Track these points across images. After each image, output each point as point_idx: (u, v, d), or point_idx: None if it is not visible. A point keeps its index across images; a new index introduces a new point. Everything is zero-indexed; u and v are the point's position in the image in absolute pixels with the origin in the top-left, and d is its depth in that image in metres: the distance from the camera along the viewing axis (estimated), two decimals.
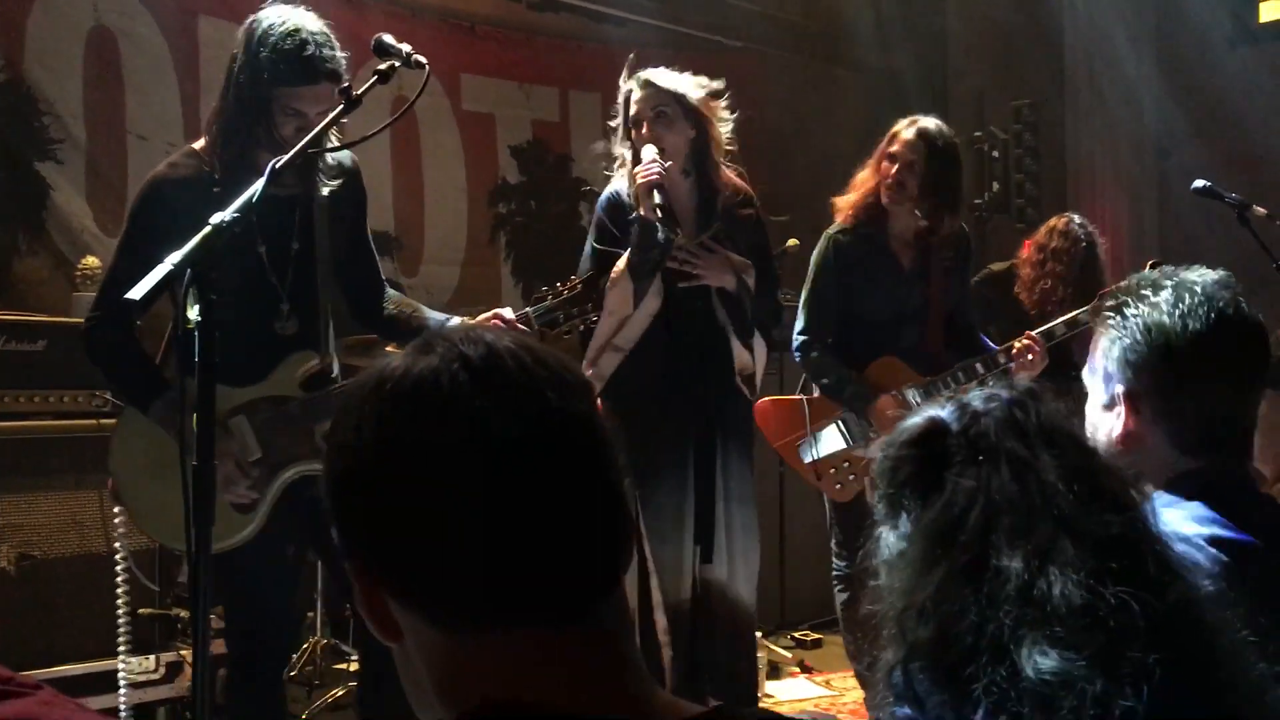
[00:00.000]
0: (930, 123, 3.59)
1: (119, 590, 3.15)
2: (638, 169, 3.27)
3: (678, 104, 3.34)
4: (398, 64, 2.26)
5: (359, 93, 2.15)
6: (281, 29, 2.51)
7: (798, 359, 3.72)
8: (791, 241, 4.99)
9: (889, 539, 1.18)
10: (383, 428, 0.88)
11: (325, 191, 2.73)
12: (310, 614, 4.41)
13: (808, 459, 3.66)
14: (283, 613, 2.88)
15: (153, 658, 3.82)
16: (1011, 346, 3.52)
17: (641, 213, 3.26)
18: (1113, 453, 1.55)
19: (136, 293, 1.77)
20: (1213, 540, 1.43)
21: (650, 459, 3.36)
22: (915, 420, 1.19)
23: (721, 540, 3.43)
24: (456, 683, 0.89)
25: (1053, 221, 4.90)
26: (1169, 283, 1.57)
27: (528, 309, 2.93)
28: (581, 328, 3.05)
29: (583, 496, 0.88)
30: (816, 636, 5.16)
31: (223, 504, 2.59)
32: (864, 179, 3.65)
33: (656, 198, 3.20)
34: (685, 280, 3.38)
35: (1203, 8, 6.67)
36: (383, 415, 0.88)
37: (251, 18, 2.60)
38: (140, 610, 3.83)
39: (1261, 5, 7.00)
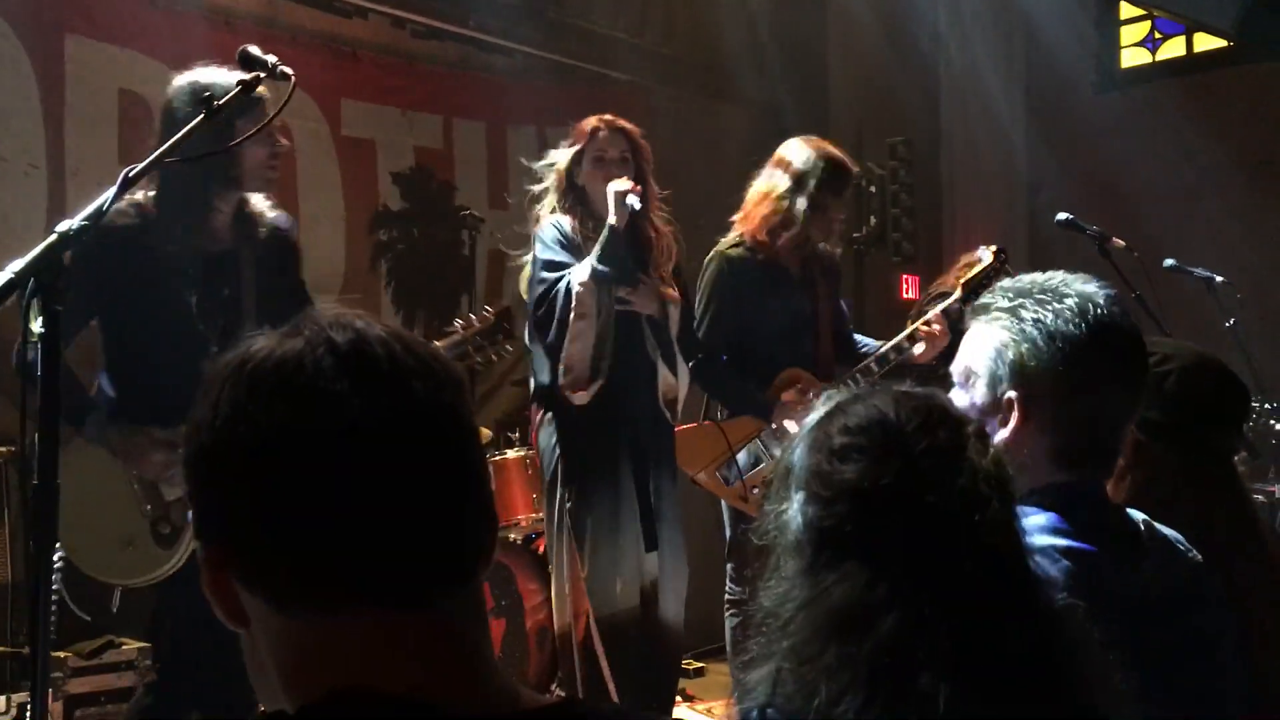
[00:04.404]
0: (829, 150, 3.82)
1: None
2: (613, 184, 3.45)
3: (636, 153, 3.61)
4: (263, 75, 2.22)
5: (220, 103, 2.11)
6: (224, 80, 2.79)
7: (692, 377, 3.76)
8: None
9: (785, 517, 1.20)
10: (238, 407, 0.87)
11: (257, 245, 3.01)
12: None
13: (731, 480, 3.68)
14: (211, 660, 2.50)
15: (3, 698, 3.63)
16: (916, 331, 3.63)
17: (613, 221, 3.41)
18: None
19: None
20: (1060, 550, 1.45)
21: (584, 475, 3.44)
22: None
23: (661, 552, 3.53)
24: (300, 669, 0.87)
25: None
26: (1070, 290, 1.56)
27: (438, 342, 3.10)
28: (495, 359, 3.16)
29: (438, 487, 0.88)
30: (699, 665, 5.16)
31: (143, 536, 2.87)
32: (777, 207, 3.76)
33: (632, 201, 3.40)
34: (621, 305, 3.52)
35: (1069, 54, 6.95)
36: (240, 395, 0.87)
37: (189, 79, 2.86)
38: None
39: (1123, 52, 7.33)
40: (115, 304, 2.88)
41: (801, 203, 3.72)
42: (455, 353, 3.07)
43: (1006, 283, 1.64)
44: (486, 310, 3.15)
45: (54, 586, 3.40)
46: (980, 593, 1.11)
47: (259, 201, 3.06)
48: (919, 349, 3.68)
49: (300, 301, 3.10)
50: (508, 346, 3.16)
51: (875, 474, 1.15)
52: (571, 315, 3.39)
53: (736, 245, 3.82)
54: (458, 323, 3.16)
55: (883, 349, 3.73)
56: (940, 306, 3.76)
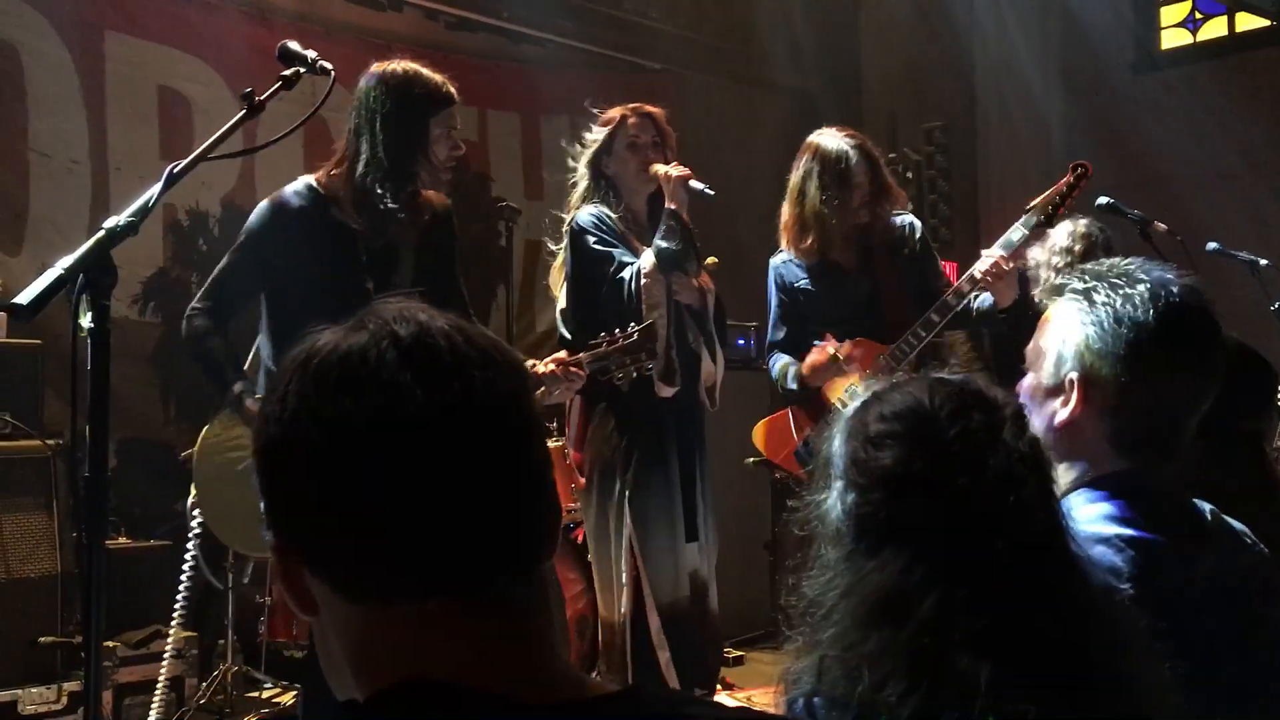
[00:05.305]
0: (837, 132, 3.76)
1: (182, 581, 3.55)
2: (665, 169, 3.47)
3: (665, 141, 3.60)
4: (303, 70, 2.24)
5: (262, 98, 2.12)
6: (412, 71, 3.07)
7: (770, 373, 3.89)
8: (710, 259, 5.03)
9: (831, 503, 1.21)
10: (305, 401, 0.89)
11: (417, 232, 3.09)
12: (221, 641, 4.30)
13: (807, 462, 3.70)
14: None
15: (55, 687, 3.69)
16: (973, 275, 3.47)
17: (674, 205, 3.43)
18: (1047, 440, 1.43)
19: (25, 297, 1.71)
20: (1124, 539, 1.43)
21: (639, 465, 3.46)
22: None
23: (701, 543, 3.59)
24: (367, 657, 0.90)
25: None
26: (1145, 277, 1.53)
27: (581, 355, 3.13)
28: (635, 375, 3.17)
29: (500, 476, 0.89)
30: (739, 654, 5.16)
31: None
32: (797, 210, 3.73)
33: (699, 186, 3.42)
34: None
35: (1106, 35, 6.86)
36: (306, 388, 0.89)
37: (377, 72, 3.06)
38: (41, 639, 3.71)
39: (1162, 33, 7.23)
40: (290, 281, 2.95)
41: (812, 192, 3.65)
42: (597, 366, 3.09)
43: (1086, 266, 1.61)
44: (633, 326, 3.13)
45: (191, 552, 3.54)
46: (1016, 574, 1.11)
47: (425, 191, 3.14)
48: (993, 295, 3.48)
49: (451, 292, 3.15)
50: (649, 366, 3.15)
51: (910, 459, 1.16)
52: (645, 308, 3.38)
53: (780, 252, 3.84)
54: (603, 335, 3.14)
55: (944, 296, 3.58)
56: (1000, 242, 3.53)
